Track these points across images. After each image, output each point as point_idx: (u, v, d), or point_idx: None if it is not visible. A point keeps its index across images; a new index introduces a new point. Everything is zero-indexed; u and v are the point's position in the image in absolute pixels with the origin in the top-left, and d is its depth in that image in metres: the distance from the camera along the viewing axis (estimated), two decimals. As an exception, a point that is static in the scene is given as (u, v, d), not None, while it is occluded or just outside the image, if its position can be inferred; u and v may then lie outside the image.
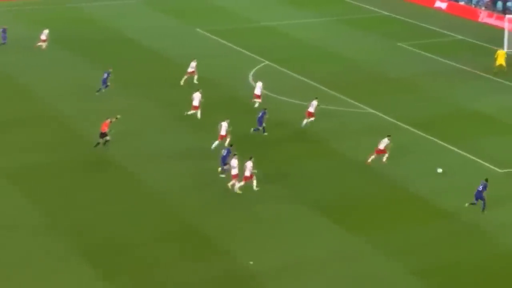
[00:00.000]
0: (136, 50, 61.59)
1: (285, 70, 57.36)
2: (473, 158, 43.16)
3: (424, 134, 46.27)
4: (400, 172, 40.94)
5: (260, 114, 44.95)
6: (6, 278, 30.01)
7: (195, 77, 53.09)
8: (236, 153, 38.34)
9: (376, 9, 78.26)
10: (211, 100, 47.73)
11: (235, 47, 63.19)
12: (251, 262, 31.88)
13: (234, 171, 37.76)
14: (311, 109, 45.83)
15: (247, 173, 37.75)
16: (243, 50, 62.16)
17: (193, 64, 53.48)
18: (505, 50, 60.92)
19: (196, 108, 46.58)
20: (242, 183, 37.83)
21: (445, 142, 45.08)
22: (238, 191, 37.80)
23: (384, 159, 41.18)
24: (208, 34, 66.60)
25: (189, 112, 46.42)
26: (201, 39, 65.54)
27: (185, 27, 68.89)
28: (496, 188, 37.62)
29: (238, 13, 74.93)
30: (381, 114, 49.11)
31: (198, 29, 68.16)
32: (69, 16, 70.95)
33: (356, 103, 50.82)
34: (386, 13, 77.07)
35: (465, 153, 43.72)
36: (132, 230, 34.12)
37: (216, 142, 42.04)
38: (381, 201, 37.78)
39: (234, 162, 37.84)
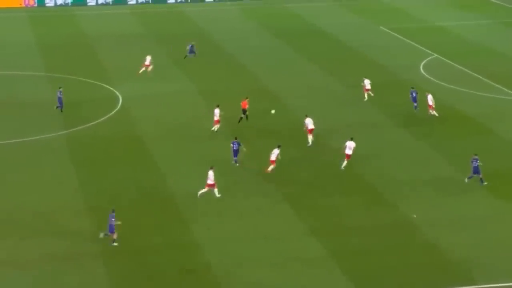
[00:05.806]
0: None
1: (451, 62, 67.91)
2: None
3: None
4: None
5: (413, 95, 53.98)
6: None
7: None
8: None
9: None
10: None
11: (408, 41, 75.15)
12: (414, 216, 39.44)
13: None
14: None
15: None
16: (416, 45, 73.84)
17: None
18: None
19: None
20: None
21: None
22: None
23: None
24: (389, 31, 79.13)
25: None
26: (384, 35, 78.33)
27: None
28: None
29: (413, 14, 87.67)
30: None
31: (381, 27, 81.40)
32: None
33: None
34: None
35: None
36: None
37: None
38: None
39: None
